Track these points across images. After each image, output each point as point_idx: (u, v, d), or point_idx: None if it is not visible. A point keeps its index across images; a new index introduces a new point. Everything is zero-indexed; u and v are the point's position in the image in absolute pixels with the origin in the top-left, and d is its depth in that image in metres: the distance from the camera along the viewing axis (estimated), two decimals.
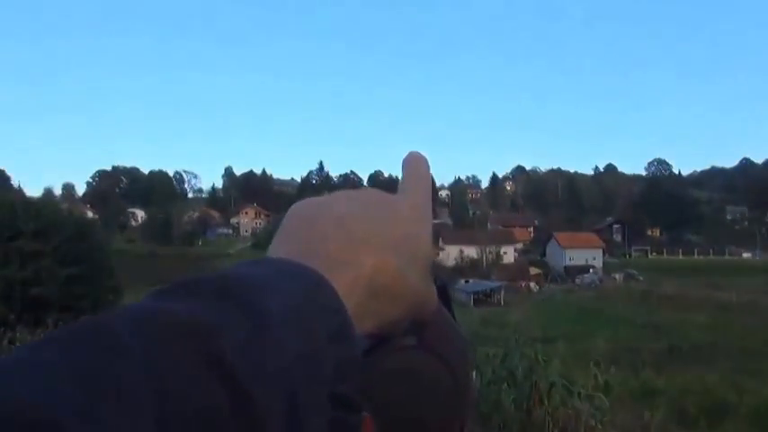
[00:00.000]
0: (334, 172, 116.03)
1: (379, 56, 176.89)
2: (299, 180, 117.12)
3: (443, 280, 0.45)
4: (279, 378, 0.27)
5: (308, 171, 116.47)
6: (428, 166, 0.44)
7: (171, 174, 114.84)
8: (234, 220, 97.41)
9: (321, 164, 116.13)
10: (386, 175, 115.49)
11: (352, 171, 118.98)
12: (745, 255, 77.16)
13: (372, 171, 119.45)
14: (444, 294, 0.45)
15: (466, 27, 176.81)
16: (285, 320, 0.29)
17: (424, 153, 0.45)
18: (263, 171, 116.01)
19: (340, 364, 0.30)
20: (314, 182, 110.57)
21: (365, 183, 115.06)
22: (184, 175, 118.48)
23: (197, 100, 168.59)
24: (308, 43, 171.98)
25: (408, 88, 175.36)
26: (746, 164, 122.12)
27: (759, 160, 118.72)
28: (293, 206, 0.40)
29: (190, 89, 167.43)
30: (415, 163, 0.44)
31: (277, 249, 0.37)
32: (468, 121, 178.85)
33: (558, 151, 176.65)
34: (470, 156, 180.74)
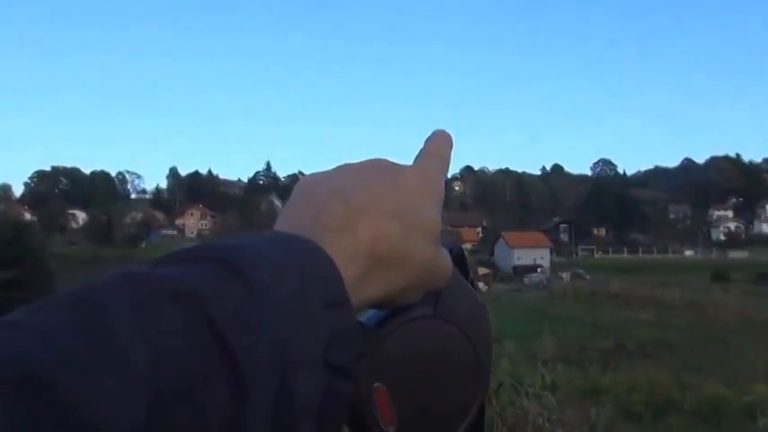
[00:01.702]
0: (282, 172, 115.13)
1: (325, 54, 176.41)
2: (245, 181, 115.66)
3: (460, 247, 0.45)
4: (271, 342, 0.27)
5: (254, 171, 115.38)
6: (449, 145, 0.43)
7: (113, 174, 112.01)
8: (179, 222, 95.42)
9: (268, 164, 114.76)
10: None
11: (300, 171, 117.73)
12: (688, 253, 79.55)
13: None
14: (461, 262, 0.44)
15: (412, 23, 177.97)
16: (278, 286, 0.29)
17: (450, 132, 0.44)
18: (209, 171, 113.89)
19: (335, 332, 0.30)
20: (261, 182, 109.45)
21: None
22: (127, 176, 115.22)
23: (141, 99, 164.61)
24: (253, 40, 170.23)
25: (356, 87, 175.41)
26: (688, 164, 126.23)
27: (700, 160, 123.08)
28: (299, 181, 0.41)
29: (133, 87, 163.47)
30: (436, 138, 0.43)
31: (279, 223, 0.37)
32: (415, 121, 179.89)
33: (507, 151, 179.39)
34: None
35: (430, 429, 0.40)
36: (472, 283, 0.44)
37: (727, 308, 26.07)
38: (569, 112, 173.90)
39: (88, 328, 0.25)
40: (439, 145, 0.43)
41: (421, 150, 0.42)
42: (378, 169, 0.39)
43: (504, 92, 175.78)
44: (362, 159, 0.41)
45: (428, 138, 0.43)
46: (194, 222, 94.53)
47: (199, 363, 0.26)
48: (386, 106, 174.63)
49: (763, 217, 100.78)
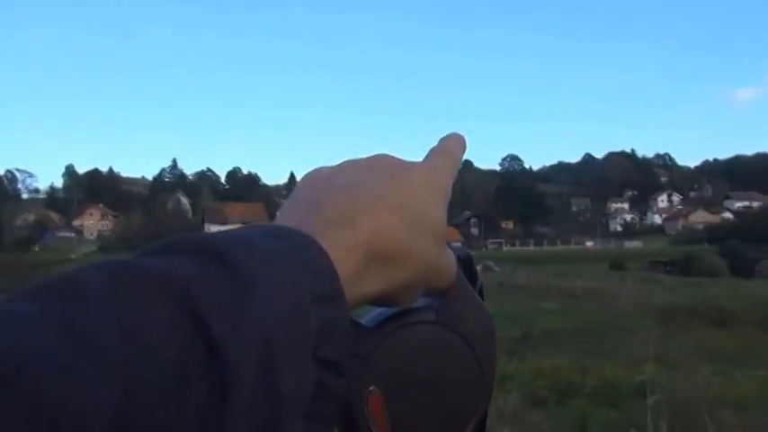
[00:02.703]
0: (189, 169, 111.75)
1: (232, 48, 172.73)
2: (150, 178, 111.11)
3: (468, 254, 0.43)
4: (256, 333, 0.27)
5: (160, 169, 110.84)
6: (462, 147, 0.43)
7: (1, 173, 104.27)
8: (77, 222, 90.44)
9: (174, 161, 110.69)
10: (245, 172, 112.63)
11: (208, 168, 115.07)
12: (588, 243, 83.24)
13: (231, 168, 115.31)
14: (469, 269, 0.42)
15: (314, 26, 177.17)
16: (266, 277, 0.28)
17: (463, 136, 0.43)
18: (110, 169, 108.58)
19: (326, 326, 0.30)
20: (167, 180, 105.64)
21: (223, 180, 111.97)
22: (18, 174, 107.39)
23: (32, 90, 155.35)
24: (154, 30, 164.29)
25: (260, 82, 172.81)
26: (589, 159, 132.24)
27: (599, 155, 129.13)
28: (303, 175, 0.40)
29: (23, 77, 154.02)
30: (448, 139, 0.43)
31: (280, 216, 0.37)
32: (330, 118, 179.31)
33: (417, 148, 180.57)
34: (332, 151, 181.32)
35: None
36: (480, 292, 0.42)
37: (624, 294, 27.58)
38: (479, 110, 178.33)
39: (63, 318, 0.24)
40: (451, 145, 0.42)
41: (432, 148, 0.42)
42: (383, 165, 0.38)
43: (415, 90, 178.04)
44: (369, 155, 0.40)
45: (442, 138, 0.43)
46: (94, 223, 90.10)
47: (179, 355, 0.25)
48: (290, 101, 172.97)
49: (655, 208, 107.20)
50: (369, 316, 0.39)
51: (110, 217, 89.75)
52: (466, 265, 0.42)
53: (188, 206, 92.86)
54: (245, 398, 0.26)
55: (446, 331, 0.39)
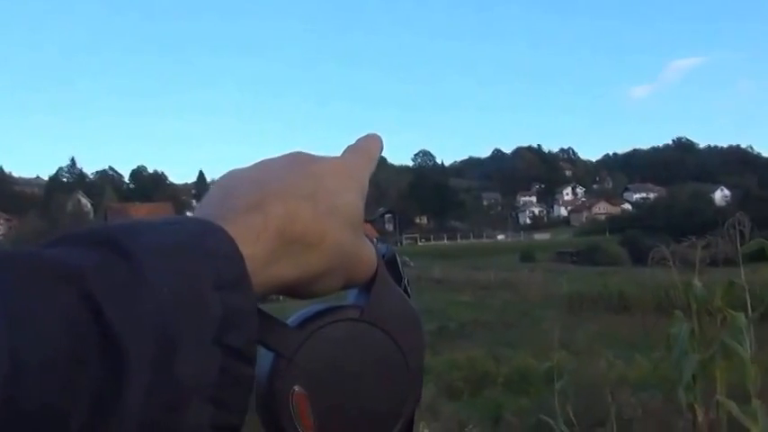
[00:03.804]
0: (90, 168, 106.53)
1: (134, 41, 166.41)
2: (46, 178, 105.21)
3: (393, 252, 0.43)
4: (151, 319, 0.27)
5: (57, 168, 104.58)
6: (378, 146, 0.44)
7: None
8: None
9: (73, 159, 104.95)
10: (150, 170, 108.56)
11: (110, 167, 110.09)
12: (500, 236, 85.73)
13: (135, 166, 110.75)
14: (395, 267, 0.42)
15: (228, 23, 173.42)
16: (164, 264, 0.28)
17: (380, 136, 0.45)
18: (0, 169, 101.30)
19: (229, 312, 0.29)
20: (65, 180, 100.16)
21: (126, 179, 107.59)
22: None
23: None
24: (51, 23, 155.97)
25: (170, 76, 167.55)
26: (498, 154, 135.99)
27: (508, 150, 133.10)
28: (218, 177, 0.40)
29: None
30: (365, 138, 0.44)
31: (195, 213, 0.37)
32: (240, 115, 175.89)
33: (328, 143, 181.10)
34: (242, 150, 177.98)
35: None
36: (406, 290, 0.42)
37: (534, 285, 28.61)
38: (391, 105, 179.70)
39: None
40: (367, 142, 0.43)
41: (348, 146, 0.42)
42: (295, 159, 0.39)
43: (328, 86, 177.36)
44: (283, 154, 0.40)
45: (359, 138, 0.44)
46: None
47: (73, 340, 0.25)
48: (198, 95, 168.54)
49: (561, 201, 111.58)
50: (294, 316, 0.39)
51: (2, 220, 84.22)
52: (391, 263, 0.42)
53: (89, 207, 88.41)
54: (141, 382, 0.25)
55: (370, 327, 0.38)
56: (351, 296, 0.41)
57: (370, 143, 0.44)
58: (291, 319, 0.38)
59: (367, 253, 0.39)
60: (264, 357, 0.36)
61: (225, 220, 0.33)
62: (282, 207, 0.35)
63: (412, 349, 0.40)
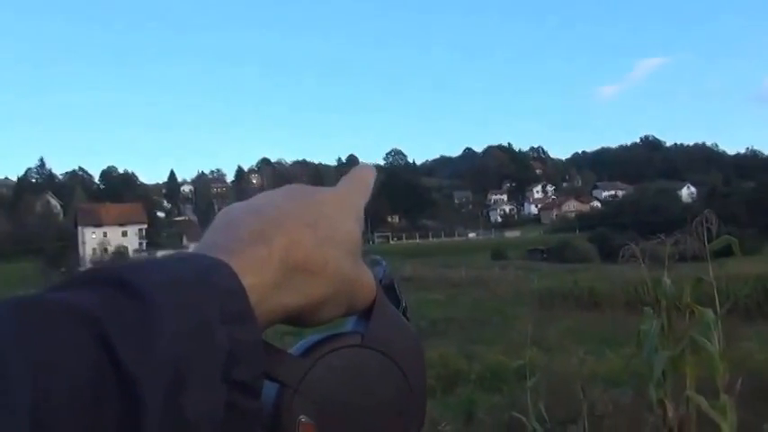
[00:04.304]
0: (59, 169, 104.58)
1: (94, 32, 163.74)
2: (14, 179, 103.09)
3: (391, 277, 0.43)
4: (161, 356, 0.27)
5: (25, 168, 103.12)
6: (372, 175, 0.45)
7: None
8: None
9: (42, 160, 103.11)
10: (120, 171, 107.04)
11: (80, 167, 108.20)
12: (471, 234, 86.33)
13: (105, 167, 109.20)
14: (393, 292, 0.43)
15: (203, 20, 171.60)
16: (173, 301, 0.29)
17: (373, 167, 0.47)
18: None
19: (235, 346, 0.30)
20: (34, 180, 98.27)
21: (96, 179, 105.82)
22: None
23: None
24: (20, 20, 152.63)
25: (149, 79, 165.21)
26: (469, 153, 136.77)
27: (479, 149, 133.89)
28: (221, 210, 0.41)
29: None
30: (359, 168, 0.46)
31: (198, 247, 0.37)
32: (210, 114, 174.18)
33: (303, 143, 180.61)
34: (214, 150, 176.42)
35: None
36: (405, 314, 0.43)
37: (505, 282, 28.84)
38: (363, 104, 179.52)
39: None
40: (360, 172, 0.45)
41: (343, 176, 0.44)
42: (294, 190, 0.40)
43: (298, 85, 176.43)
44: (283, 187, 0.41)
45: (354, 167, 0.46)
46: None
47: (90, 381, 0.26)
48: (174, 103, 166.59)
49: (531, 199, 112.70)
50: (296, 345, 0.39)
51: None
52: (389, 288, 0.42)
53: (59, 208, 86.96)
54: (154, 420, 0.26)
55: (372, 353, 0.39)
56: (350, 323, 0.41)
57: (365, 173, 0.45)
58: (294, 349, 0.39)
59: (367, 279, 0.40)
60: (269, 388, 0.36)
61: (230, 252, 0.34)
62: (285, 236, 0.35)
63: (414, 372, 0.40)
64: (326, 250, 0.37)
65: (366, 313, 0.40)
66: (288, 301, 0.35)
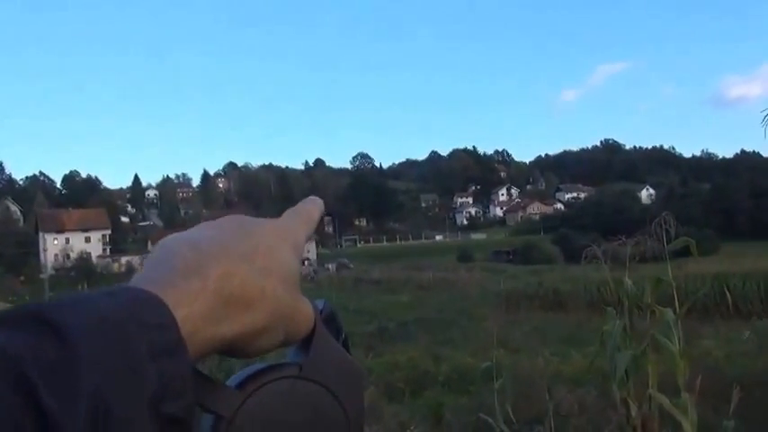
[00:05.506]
0: (19, 174, 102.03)
1: (58, 31, 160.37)
2: None
3: (331, 308, 0.44)
4: (84, 396, 0.27)
5: None
6: (318, 210, 0.47)
7: None
8: None
9: (1, 164, 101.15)
10: (83, 175, 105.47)
11: (41, 172, 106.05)
12: (438, 237, 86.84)
13: (67, 171, 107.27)
14: (333, 324, 0.43)
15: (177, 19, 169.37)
16: (97, 337, 0.29)
17: (320, 200, 0.47)
18: None
19: (166, 380, 0.30)
20: None
21: (58, 184, 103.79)
22: None
23: None
24: None
25: (111, 81, 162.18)
26: (435, 156, 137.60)
27: (445, 152, 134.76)
28: (159, 241, 0.41)
29: None
30: (306, 202, 0.47)
31: (135, 279, 0.37)
32: (176, 118, 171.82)
33: (269, 147, 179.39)
34: (180, 154, 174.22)
35: None
36: (345, 344, 0.43)
37: (472, 284, 29.06)
38: (329, 108, 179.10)
39: None
40: (308, 205, 0.46)
41: (288, 209, 0.45)
42: (232, 221, 0.41)
43: (264, 88, 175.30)
44: (222, 218, 0.42)
45: (301, 201, 0.47)
46: None
47: (11, 425, 0.25)
48: (139, 106, 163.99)
49: (496, 202, 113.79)
50: (233, 376, 0.39)
51: None
52: (329, 318, 0.43)
53: (18, 214, 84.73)
54: None
55: (309, 384, 0.39)
56: (290, 354, 0.41)
57: (310, 207, 0.46)
58: (231, 380, 0.38)
59: (304, 309, 0.40)
60: (205, 419, 0.36)
61: (164, 284, 0.34)
62: (220, 267, 0.36)
63: (352, 404, 0.40)
64: (263, 281, 0.37)
65: (305, 344, 0.40)
66: (224, 331, 0.35)
